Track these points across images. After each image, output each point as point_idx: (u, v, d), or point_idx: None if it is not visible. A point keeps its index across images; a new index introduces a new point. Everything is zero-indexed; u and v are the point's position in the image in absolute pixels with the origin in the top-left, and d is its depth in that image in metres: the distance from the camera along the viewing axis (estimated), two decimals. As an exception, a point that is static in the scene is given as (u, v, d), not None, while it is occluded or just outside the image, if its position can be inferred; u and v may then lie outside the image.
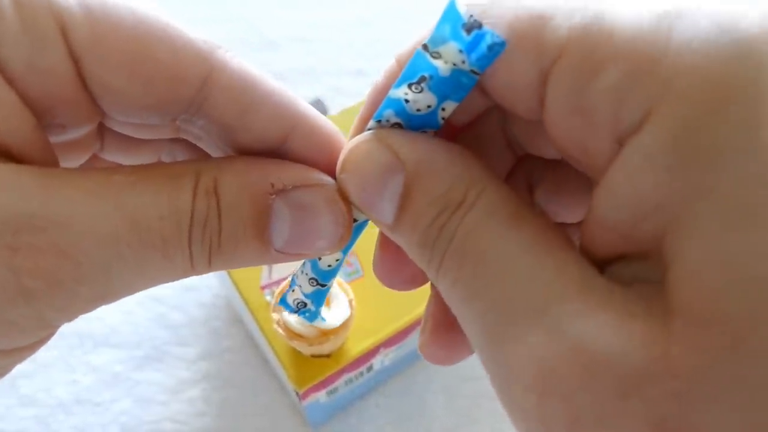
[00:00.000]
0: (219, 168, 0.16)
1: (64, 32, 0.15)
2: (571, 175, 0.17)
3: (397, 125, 0.16)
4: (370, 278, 0.37)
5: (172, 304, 0.46)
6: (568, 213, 0.19)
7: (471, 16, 0.13)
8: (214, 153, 0.19)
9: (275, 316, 0.33)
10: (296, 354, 0.34)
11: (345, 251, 0.19)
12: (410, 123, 0.16)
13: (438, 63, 0.14)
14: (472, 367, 0.43)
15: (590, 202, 0.14)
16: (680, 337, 0.11)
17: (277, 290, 0.34)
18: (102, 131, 0.19)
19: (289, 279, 0.21)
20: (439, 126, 0.16)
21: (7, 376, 0.37)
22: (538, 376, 0.12)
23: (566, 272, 0.13)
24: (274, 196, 0.16)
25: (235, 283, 0.37)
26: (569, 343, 0.12)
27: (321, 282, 0.20)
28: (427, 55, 0.14)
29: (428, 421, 0.42)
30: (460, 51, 0.14)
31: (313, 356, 0.34)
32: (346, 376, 0.37)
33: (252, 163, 0.17)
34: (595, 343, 0.12)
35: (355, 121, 0.18)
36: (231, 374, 0.43)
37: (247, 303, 0.36)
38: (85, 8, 0.15)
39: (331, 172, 0.17)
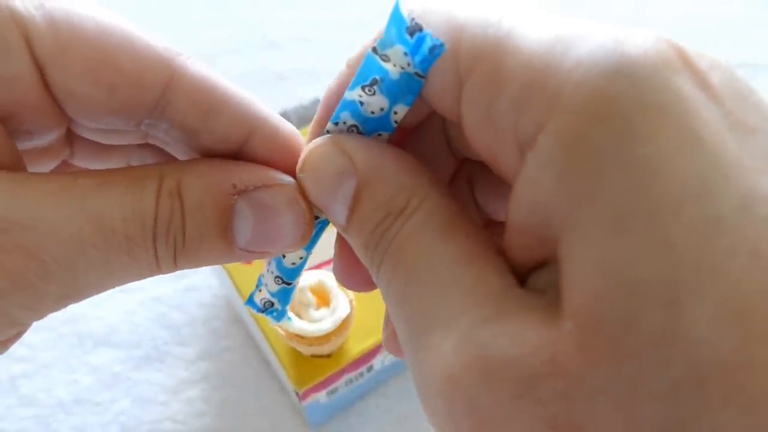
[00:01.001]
0: (182, 170, 0.17)
1: (28, 41, 0.15)
2: (499, 177, 0.19)
3: (353, 127, 0.17)
4: (371, 278, 0.37)
5: (172, 304, 0.46)
6: (502, 212, 0.20)
7: (413, 19, 0.14)
8: (182, 157, 0.19)
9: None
10: (296, 354, 0.34)
11: (309, 249, 0.19)
12: (366, 126, 0.17)
13: (387, 66, 0.15)
14: (472, 367, 0.43)
15: (506, 210, 0.14)
16: (567, 339, 0.12)
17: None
18: (71, 138, 0.19)
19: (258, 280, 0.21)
20: (393, 129, 0.17)
21: (7, 376, 0.37)
22: (445, 381, 0.13)
23: (485, 282, 0.14)
24: (236, 197, 0.17)
25: (235, 283, 0.37)
26: (473, 351, 0.13)
27: (286, 280, 0.20)
28: (377, 58, 0.15)
29: (428, 421, 0.42)
30: (405, 54, 0.14)
31: (314, 356, 0.34)
32: (346, 377, 0.37)
33: (214, 165, 0.17)
34: (495, 350, 0.13)
35: (312, 122, 0.18)
36: (231, 374, 0.43)
37: (247, 303, 0.36)
38: (48, 18, 0.16)
39: (291, 172, 0.18)
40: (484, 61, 0.13)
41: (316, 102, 0.46)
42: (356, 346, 0.35)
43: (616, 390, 0.11)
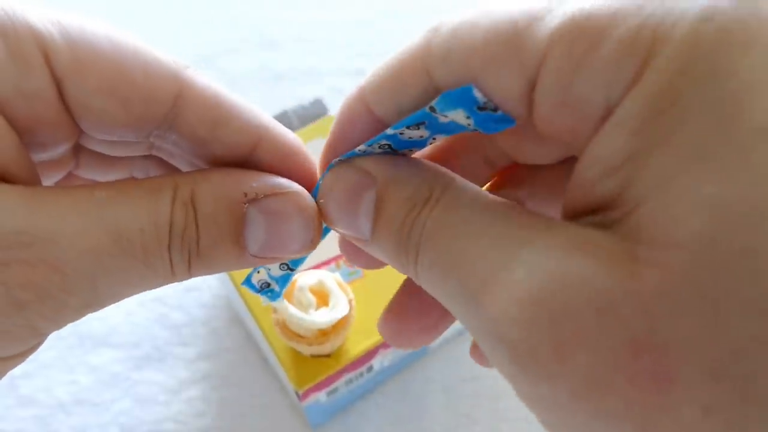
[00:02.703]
0: (195, 180, 0.17)
1: (47, 58, 0.16)
2: (560, 177, 0.19)
3: (385, 146, 0.17)
4: (370, 278, 0.37)
5: (173, 305, 0.46)
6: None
7: (486, 102, 0.14)
8: (185, 169, 0.20)
9: (275, 316, 0.33)
10: (296, 354, 0.34)
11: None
12: (399, 145, 0.17)
13: (439, 117, 0.15)
14: (472, 367, 0.43)
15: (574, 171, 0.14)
16: (644, 260, 0.12)
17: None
18: (77, 150, 0.20)
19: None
20: (426, 146, 0.17)
21: (7, 376, 0.37)
22: (524, 306, 0.13)
23: (533, 224, 0.14)
24: (247, 205, 0.18)
25: (236, 284, 0.37)
26: (546, 272, 0.13)
27: (291, 267, 0.21)
28: (434, 114, 0.15)
29: (428, 421, 0.42)
30: (468, 117, 0.14)
31: (313, 356, 0.34)
32: (346, 377, 0.37)
33: (225, 174, 0.18)
34: (569, 269, 0.13)
35: (324, 147, 0.19)
36: (231, 374, 0.43)
37: (247, 303, 0.36)
38: (66, 35, 0.16)
39: (297, 180, 0.19)
40: (560, 43, 0.13)
41: (316, 102, 0.46)
42: (356, 346, 0.35)
43: (700, 306, 0.11)
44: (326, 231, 0.20)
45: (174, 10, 0.64)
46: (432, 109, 0.15)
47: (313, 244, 0.19)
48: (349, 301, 0.34)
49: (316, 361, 0.34)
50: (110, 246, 0.16)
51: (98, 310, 0.17)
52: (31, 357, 0.18)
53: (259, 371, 0.43)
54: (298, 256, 0.19)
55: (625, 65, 0.12)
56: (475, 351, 0.20)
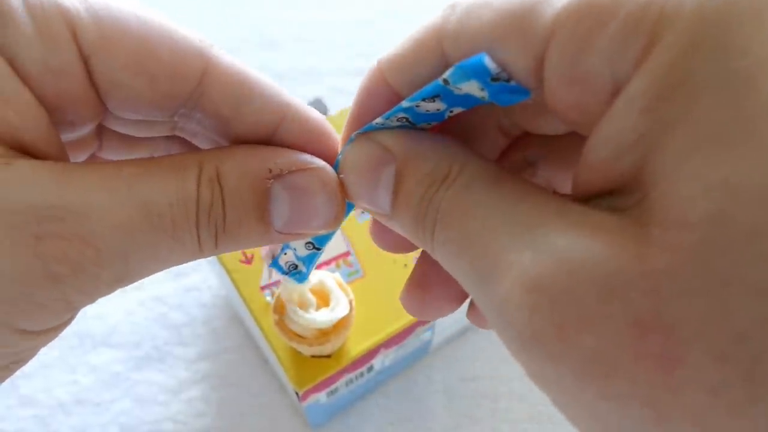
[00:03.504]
0: (220, 157, 0.18)
1: (74, 34, 0.16)
2: (572, 147, 0.19)
3: (403, 119, 0.17)
4: (370, 278, 0.37)
5: (173, 304, 0.46)
6: (570, 183, 0.20)
7: (499, 72, 0.14)
8: (207, 147, 0.20)
9: (275, 316, 0.33)
10: (296, 354, 0.34)
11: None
12: (417, 118, 0.17)
13: (454, 89, 0.15)
14: (472, 367, 0.43)
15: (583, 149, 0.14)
16: (654, 242, 0.12)
17: (277, 291, 0.34)
18: (100, 131, 0.20)
19: (273, 255, 0.22)
20: (444, 119, 0.17)
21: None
22: (527, 291, 0.13)
23: (545, 205, 0.14)
24: (272, 181, 0.18)
25: (235, 284, 0.37)
26: (553, 256, 0.13)
27: (317, 246, 0.21)
28: (448, 86, 0.15)
29: (428, 421, 0.42)
30: (482, 89, 0.14)
31: (314, 357, 0.34)
32: (346, 377, 0.36)
33: (250, 151, 0.18)
34: (576, 253, 0.13)
35: (345, 122, 0.19)
36: (231, 374, 0.43)
37: (247, 303, 0.36)
38: (93, 12, 0.16)
39: (321, 157, 0.19)
40: (566, 21, 0.13)
41: (316, 102, 0.46)
42: (356, 347, 0.35)
43: (708, 286, 0.11)
44: (350, 207, 0.20)
45: (174, 10, 0.64)
46: (445, 81, 0.14)
47: (337, 220, 0.19)
48: (350, 302, 0.34)
49: (316, 361, 0.34)
50: (141, 221, 0.16)
51: (128, 284, 0.17)
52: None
53: (259, 371, 0.43)
54: (322, 232, 0.19)
55: (633, 42, 0.12)
56: (472, 312, 0.21)
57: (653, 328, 0.12)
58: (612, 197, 0.14)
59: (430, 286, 0.20)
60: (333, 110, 0.54)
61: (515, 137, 0.20)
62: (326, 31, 0.63)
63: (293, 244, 0.21)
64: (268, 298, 0.36)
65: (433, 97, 0.15)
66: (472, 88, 0.14)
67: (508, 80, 0.14)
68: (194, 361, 0.44)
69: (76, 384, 0.42)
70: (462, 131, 0.19)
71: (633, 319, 0.12)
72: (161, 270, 0.17)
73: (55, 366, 0.43)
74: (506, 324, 0.14)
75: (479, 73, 0.14)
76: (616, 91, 0.13)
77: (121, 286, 0.17)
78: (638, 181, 0.13)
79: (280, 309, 0.33)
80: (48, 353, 0.43)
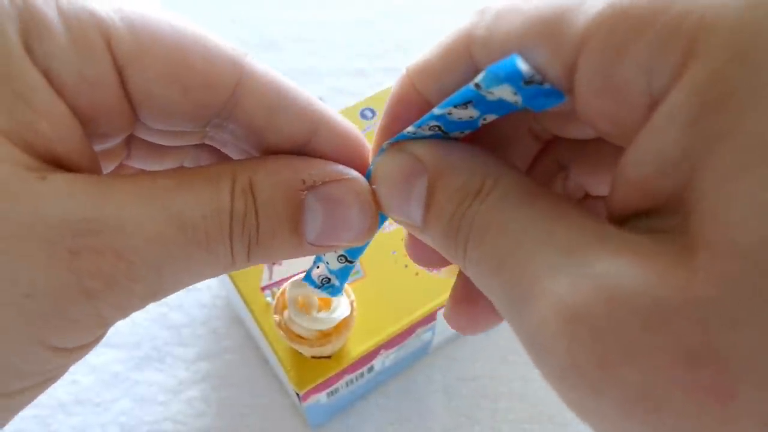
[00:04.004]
0: (253, 168, 0.17)
1: (109, 44, 0.16)
2: (604, 150, 0.18)
3: (435, 127, 0.17)
4: (371, 279, 0.37)
5: (173, 305, 0.46)
6: (605, 186, 0.19)
7: (532, 74, 0.13)
8: (238, 157, 0.20)
9: (276, 317, 0.33)
10: (297, 355, 0.34)
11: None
12: (449, 126, 0.17)
13: (486, 94, 0.14)
14: (472, 367, 0.43)
15: (618, 164, 0.14)
16: (702, 268, 0.11)
17: (278, 292, 0.34)
18: (129, 140, 0.20)
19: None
20: (478, 127, 0.17)
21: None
22: (565, 320, 0.12)
23: (582, 227, 0.14)
24: (305, 192, 0.17)
25: (236, 284, 0.37)
26: (592, 283, 0.12)
27: (350, 259, 0.21)
28: (480, 91, 0.14)
29: (428, 421, 0.42)
30: (515, 93, 0.14)
31: (314, 358, 0.34)
32: (346, 377, 0.37)
33: (283, 161, 0.18)
34: (617, 279, 0.12)
35: (377, 131, 0.19)
36: (231, 374, 0.43)
37: (247, 304, 0.36)
38: (128, 21, 0.16)
39: (354, 167, 0.19)
40: (596, 33, 0.13)
41: (316, 102, 0.46)
42: (357, 348, 0.35)
43: (761, 316, 0.10)
44: (383, 219, 0.19)
45: (173, 10, 0.64)
46: (477, 86, 0.14)
47: (370, 231, 0.19)
48: (351, 303, 0.34)
49: (316, 362, 0.34)
50: (175, 233, 0.16)
51: (162, 298, 0.17)
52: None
53: (259, 372, 0.43)
54: (355, 244, 0.19)
55: (671, 52, 0.12)
56: (453, 311, 0.20)
57: (704, 360, 0.11)
58: (651, 218, 0.13)
59: (476, 299, 0.19)
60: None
61: (547, 141, 0.19)
62: (326, 31, 0.63)
63: (326, 257, 0.21)
64: (269, 299, 0.36)
65: (465, 104, 0.15)
66: (504, 92, 0.14)
67: (541, 83, 0.13)
68: (194, 361, 0.44)
69: (76, 384, 0.42)
70: (494, 137, 0.19)
71: (682, 351, 0.11)
72: (194, 283, 0.17)
73: (55, 366, 0.43)
74: (542, 352, 0.13)
75: (511, 75, 0.13)
76: (653, 104, 0.13)
77: (154, 300, 0.17)
78: (681, 200, 0.12)
79: (280, 310, 0.33)
80: (48, 353, 0.43)
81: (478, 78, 0.14)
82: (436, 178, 0.16)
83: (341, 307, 0.33)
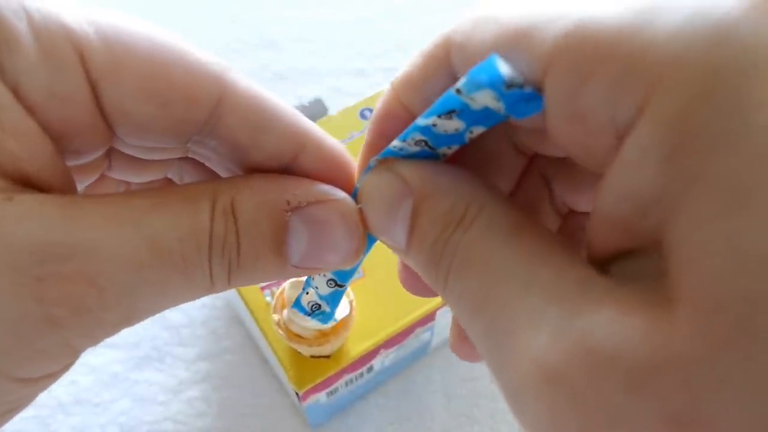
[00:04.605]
0: (236, 187, 0.17)
1: (82, 59, 0.15)
2: (583, 169, 0.18)
3: (422, 142, 0.16)
4: (371, 279, 0.37)
5: (172, 305, 0.46)
6: (586, 203, 0.19)
7: (513, 76, 0.13)
8: (222, 172, 0.19)
9: (275, 317, 0.33)
10: (296, 355, 0.34)
11: (365, 252, 0.19)
12: (436, 141, 0.16)
13: (470, 102, 0.14)
14: (472, 367, 0.43)
15: (594, 200, 0.14)
16: (683, 324, 0.11)
17: (277, 291, 0.34)
18: (110, 151, 0.19)
19: (285, 285, 0.21)
20: (465, 143, 0.16)
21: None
22: (545, 379, 0.12)
23: (564, 274, 0.13)
24: (290, 213, 0.17)
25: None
26: (572, 342, 0.12)
27: (339, 282, 0.20)
28: (461, 97, 0.14)
29: (428, 421, 0.42)
30: (497, 99, 0.13)
31: (313, 357, 0.34)
32: (346, 377, 0.36)
33: (267, 181, 0.17)
34: (598, 338, 0.12)
35: (362, 147, 0.18)
36: (231, 374, 0.43)
37: (246, 303, 0.36)
38: (102, 34, 0.15)
39: (341, 186, 0.18)
40: (561, 57, 0.12)
41: (316, 102, 0.46)
42: (356, 347, 0.35)
43: (749, 376, 0.10)
44: (372, 240, 0.19)
45: (174, 10, 0.64)
46: (459, 91, 0.14)
47: (357, 254, 0.18)
48: (350, 302, 0.34)
49: (316, 361, 0.34)
50: (150, 257, 0.15)
51: (134, 324, 0.16)
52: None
53: (259, 371, 0.43)
54: (341, 267, 0.18)
55: (633, 84, 0.11)
56: (458, 343, 0.19)
57: (690, 425, 0.10)
58: (633, 259, 0.13)
59: None
60: (333, 110, 0.54)
61: (532, 156, 0.19)
62: (326, 31, 0.63)
63: (314, 282, 0.20)
64: (268, 299, 0.36)
65: (449, 114, 0.14)
66: (486, 98, 0.13)
67: (522, 85, 0.13)
68: (194, 361, 0.44)
69: (75, 384, 0.42)
70: (481, 153, 0.18)
71: (667, 414, 0.11)
72: (172, 307, 0.17)
73: (55, 366, 0.43)
74: (522, 408, 0.13)
75: (492, 78, 0.13)
76: (620, 134, 0.12)
77: (127, 326, 0.16)
78: (661, 244, 0.12)
79: (280, 309, 0.33)
80: (48, 353, 0.43)
81: (459, 83, 0.13)
82: (420, 201, 0.16)
83: (341, 306, 0.33)
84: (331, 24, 0.64)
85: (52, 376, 0.16)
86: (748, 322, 0.10)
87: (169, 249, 0.15)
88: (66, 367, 0.16)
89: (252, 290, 0.36)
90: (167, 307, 0.16)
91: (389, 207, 0.17)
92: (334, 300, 0.21)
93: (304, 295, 0.21)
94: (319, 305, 0.21)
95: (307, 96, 0.54)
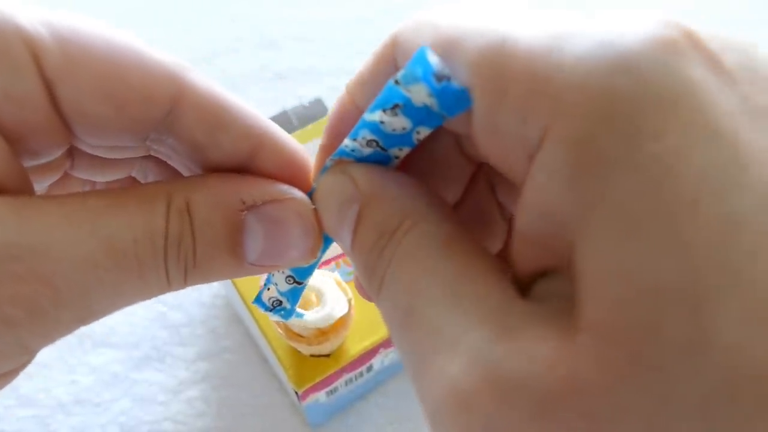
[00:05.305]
0: (191, 187, 0.17)
1: (37, 59, 0.15)
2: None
3: (373, 142, 0.16)
4: (370, 278, 0.37)
5: (172, 304, 0.46)
6: None
7: (442, 68, 0.13)
8: (184, 171, 0.19)
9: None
10: (296, 354, 0.34)
11: (322, 250, 0.19)
12: (386, 141, 0.16)
13: (410, 95, 0.14)
14: (473, 367, 0.43)
15: (515, 216, 0.14)
16: (584, 353, 0.11)
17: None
18: (72, 150, 0.19)
19: (263, 278, 0.21)
20: (415, 145, 0.16)
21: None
22: (459, 406, 0.12)
23: (487, 298, 0.13)
24: (245, 212, 0.17)
25: (235, 283, 0.37)
26: (483, 371, 0.12)
27: (297, 280, 0.20)
28: (400, 89, 0.14)
29: (428, 421, 0.42)
30: (430, 95, 0.14)
31: (313, 356, 0.34)
32: (346, 376, 0.36)
33: (223, 180, 0.17)
34: (507, 369, 0.12)
35: (318, 148, 0.19)
36: (230, 374, 0.43)
37: (246, 303, 0.36)
38: (56, 34, 0.15)
39: (298, 186, 0.18)
40: (484, 71, 0.13)
41: (315, 102, 0.46)
42: (355, 346, 0.35)
43: (643, 407, 0.10)
44: (328, 240, 0.19)
45: (173, 10, 0.64)
46: (397, 82, 0.14)
47: (313, 252, 0.18)
48: (349, 301, 0.34)
49: (315, 360, 0.34)
50: (103, 258, 0.15)
51: (90, 323, 0.16)
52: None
53: (259, 371, 0.43)
54: (297, 264, 0.19)
55: (539, 106, 0.12)
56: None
57: None
58: (553, 278, 0.13)
59: None
60: (333, 110, 0.54)
61: (479, 163, 0.19)
62: (326, 30, 0.63)
63: (274, 278, 0.20)
64: (268, 298, 0.36)
65: (394, 108, 0.15)
66: (421, 94, 0.14)
67: (449, 78, 0.13)
68: (194, 361, 0.44)
69: (75, 384, 0.42)
70: (431, 160, 0.19)
71: None
72: (128, 305, 0.17)
73: (55, 366, 0.43)
74: (435, 425, 0.13)
75: (424, 68, 0.13)
76: (530, 154, 0.13)
77: (82, 325, 0.16)
78: (570, 266, 0.12)
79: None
80: (47, 353, 0.43)
81: (398, 74, 0.14)
82: (364, 206, 0.16)
83: (339, 305, 0.33)
84: (330, 23, 0.64)
85: (8, 375, 0.16)
86: (642, 353, 0.10)
87: (123, 250, 0.15)
88: (22, 366, 0.17)
89: (252, 289, 0.36)
90: (123, 307, 0.17)
91: (339, 208, 0.17)
92: (293, 297, 0.21)
93: (265, 291, 0.21)
94: (280, 301, 0.21)
95: (307, 96, 0.54)
